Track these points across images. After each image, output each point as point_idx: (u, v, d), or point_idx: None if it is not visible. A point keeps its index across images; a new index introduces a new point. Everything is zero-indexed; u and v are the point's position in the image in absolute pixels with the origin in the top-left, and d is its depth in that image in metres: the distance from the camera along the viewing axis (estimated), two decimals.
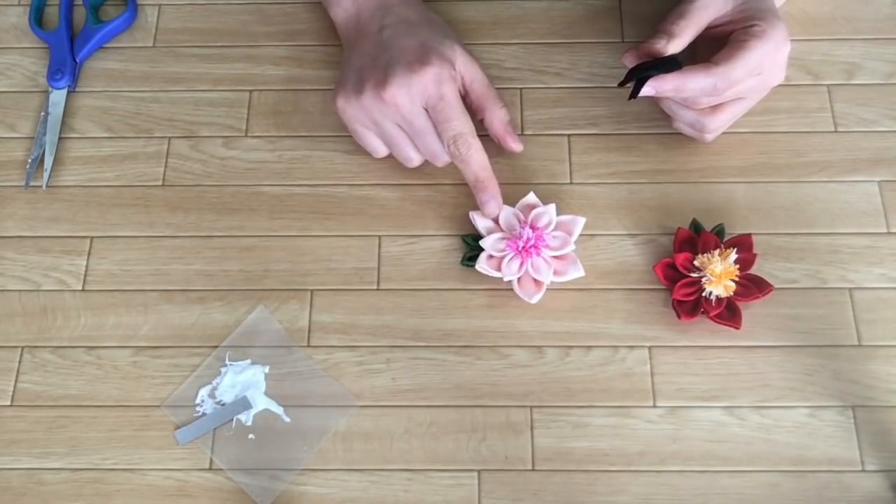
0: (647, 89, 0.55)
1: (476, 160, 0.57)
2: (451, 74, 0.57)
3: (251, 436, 0.55)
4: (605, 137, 0.63)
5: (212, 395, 0.56)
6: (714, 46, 0.56)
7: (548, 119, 0.64)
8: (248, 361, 0.57)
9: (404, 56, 0.57)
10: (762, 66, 0.56)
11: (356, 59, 0.60)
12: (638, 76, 0.55)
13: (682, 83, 0.54)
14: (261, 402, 0.56)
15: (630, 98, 0.55)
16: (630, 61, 0.56)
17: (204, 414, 0.55)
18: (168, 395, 0.56)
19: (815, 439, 0.54)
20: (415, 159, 0.60)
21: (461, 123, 0.56)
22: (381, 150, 0.60)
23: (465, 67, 0.58)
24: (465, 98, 0.59)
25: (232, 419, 0.55)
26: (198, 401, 0.56)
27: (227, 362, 0.57)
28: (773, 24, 0.56)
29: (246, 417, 0.55)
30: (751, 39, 0.55)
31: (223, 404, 0.55)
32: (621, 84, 0.55)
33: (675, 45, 0.55)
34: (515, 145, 0.60)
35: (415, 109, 0.56)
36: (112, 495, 0.54)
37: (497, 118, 0.60)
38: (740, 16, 0.56)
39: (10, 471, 0.55)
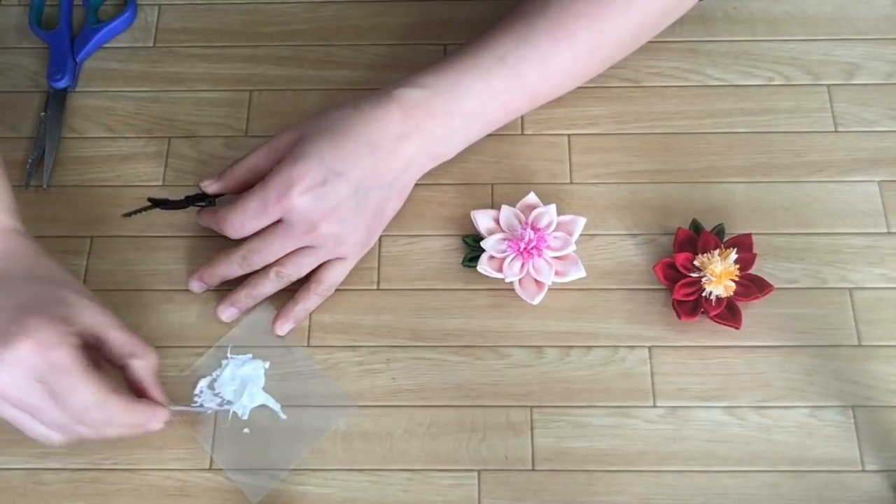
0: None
1: (112, 430, 0.49)
2: (63, 334, 0.46)
3: (246, 430, 0.55)
4: (605, 137, 0.63)
5: (211, 387, 0.56)
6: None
7: (548, 119, 0.64)
8: (250, 356, 0.57)
9: None
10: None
11: None
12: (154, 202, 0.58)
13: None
14: (259, 398, 0.56)
15: (128, 214, 0.59)
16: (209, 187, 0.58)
17: (202, 405, 0.55)
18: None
19: (815, 439, 0.54)
20: (53, 436, 0.49)
21: (87, 391, 0.47)
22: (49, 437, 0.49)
23: (91, 318, 0.49)
24: (102, 352, 0.50)
25: (227, 411, 0.55)
26: (196, 392, 0.56)
27: (229, 355, 0.57)
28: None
29: (242, 412, 0.55)
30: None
31: (222, 398, 0.55)
32: (132, 212, 0.58)
33: (221, 188, 0.58)
34: (160, 395, 0.51)
35: (24, 388, 0.46)
36: (112, 495, 0.54)
37: (144, 367, 0.51)
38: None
39: (10, 471, 0.55)
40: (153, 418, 0.50)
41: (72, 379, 0.46)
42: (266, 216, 0.54)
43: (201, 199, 0.58)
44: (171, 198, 0.58)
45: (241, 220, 0.55)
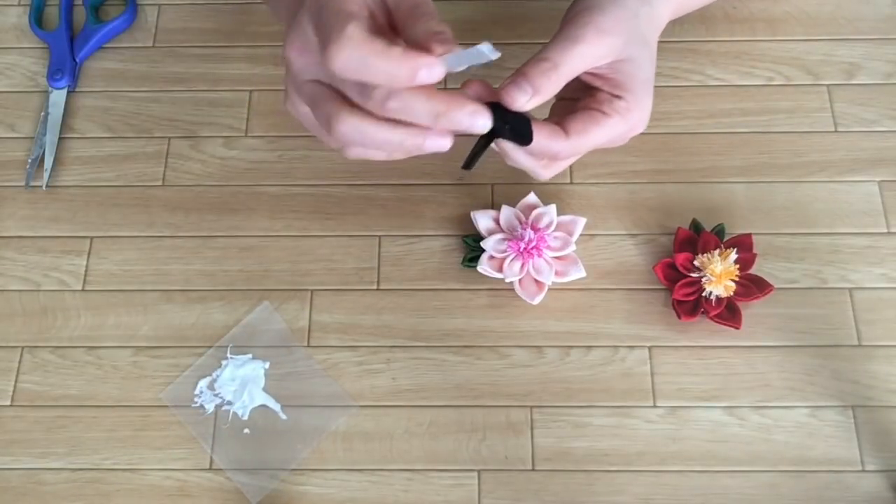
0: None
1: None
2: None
3: (246, 430, 0.55)
4: None
5: (211, 388, 0.56)
6: (568, 87, 0.48)
7: None
8: (249, 356, 0.57)
9: None
10: (613, 140, 0.50)
11: None
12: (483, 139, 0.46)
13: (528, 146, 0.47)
14: (259, 398, 0.56)
15: (465, 167, 0.47)
16: (475, 93, 0.46)
17: (202, 406, 0.55)
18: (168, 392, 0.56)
19: (815, 439, 0.54)
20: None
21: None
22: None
23: None
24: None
25: None
26: (196, 392, 0.56)
27: (229, 356, 0.57)
28: (640, 102, 0.49)
29: (242, 412, 0.55)
30: (611, 116, 0.48)
31: (222, 398, 0.56)
32: (467, 165, 0.46)
33: (537, 102, 0.46)
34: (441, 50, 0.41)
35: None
36: (112, 495, 0.54)
37: (424, 28, 0.43)
38: (612, 76, 0.48)
39: (10, 471, 0.55)
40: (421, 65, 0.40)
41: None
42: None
43: (505, 120, 0.45)
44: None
45: (580, 152, 0.49)
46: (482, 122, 0.42)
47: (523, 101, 0.45)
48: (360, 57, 0.40)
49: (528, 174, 0.50)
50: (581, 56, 0.47)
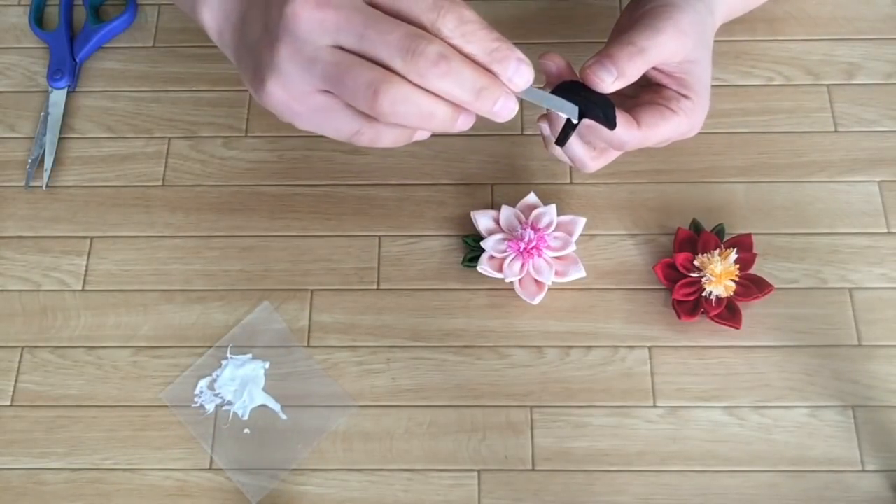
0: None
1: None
2: None
3: (246, 430, 0.55)
4: None
5: (211, 388, 0.56)
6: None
7: None
8: (249, 356, 0.57)
9: None
10: (673, 137, 0.51)
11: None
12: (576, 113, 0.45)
13: (597, 131, 0.47)
14: (259, 398, 0.56)
15: (559, 143, 0.47)
16: (557, 69, 0.47)
17: (202, 406, 0.55)
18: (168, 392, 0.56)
19: (815, 439, 0.54)
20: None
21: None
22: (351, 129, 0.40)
23: None
24: None
25: None
26: (196, 392, 0.56)
27: (229, 356, 0.57)
28: (703, 104, 0.50)
29: (242, 412, 0.55)
30: (678, 114, 0.49)
31: (222, 398, 0.56)
32: (561, 141, 0.46)
33: (620, 85, 0.46)
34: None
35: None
36: (112, 495, 0.54)
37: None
38: (680, 75, 0.50)
39: (10, 471, 0.55)
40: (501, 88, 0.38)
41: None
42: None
43: (587, 103, 0.45)
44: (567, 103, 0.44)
45: (645, 145, 0.49)
46: (511, 109, 0.39)
47: (609, 81, 0.45)
48: (471, 20, 0.37)
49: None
50: (663, 47, 0.48)
